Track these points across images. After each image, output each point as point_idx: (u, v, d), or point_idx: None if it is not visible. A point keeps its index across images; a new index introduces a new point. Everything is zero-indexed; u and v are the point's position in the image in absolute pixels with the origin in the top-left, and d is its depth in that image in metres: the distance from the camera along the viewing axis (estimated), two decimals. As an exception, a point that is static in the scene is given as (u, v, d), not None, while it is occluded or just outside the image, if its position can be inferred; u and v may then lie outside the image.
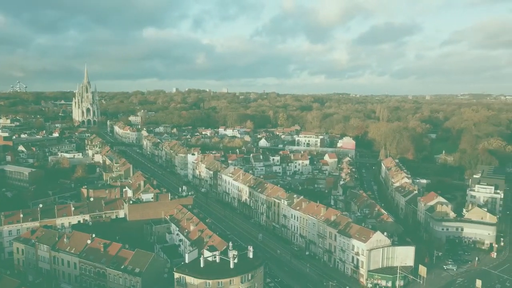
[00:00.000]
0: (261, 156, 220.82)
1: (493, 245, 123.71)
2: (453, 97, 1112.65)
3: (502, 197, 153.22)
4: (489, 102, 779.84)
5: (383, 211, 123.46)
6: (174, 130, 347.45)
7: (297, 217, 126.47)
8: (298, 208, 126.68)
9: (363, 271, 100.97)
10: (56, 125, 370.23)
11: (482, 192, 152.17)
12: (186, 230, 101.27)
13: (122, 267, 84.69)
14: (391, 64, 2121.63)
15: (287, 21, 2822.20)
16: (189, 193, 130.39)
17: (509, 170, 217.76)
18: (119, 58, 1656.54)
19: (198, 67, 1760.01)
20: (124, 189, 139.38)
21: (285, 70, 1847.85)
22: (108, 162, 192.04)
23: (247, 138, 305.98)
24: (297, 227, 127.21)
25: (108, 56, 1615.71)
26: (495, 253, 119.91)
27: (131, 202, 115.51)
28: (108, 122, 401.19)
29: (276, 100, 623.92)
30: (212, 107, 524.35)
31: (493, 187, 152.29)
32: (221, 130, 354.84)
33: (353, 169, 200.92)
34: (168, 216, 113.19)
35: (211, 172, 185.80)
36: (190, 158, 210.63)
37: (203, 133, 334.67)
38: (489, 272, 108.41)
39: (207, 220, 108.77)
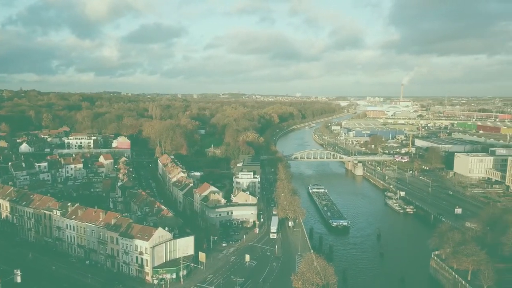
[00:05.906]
0: (23, 164, 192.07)
1: (256, 222, 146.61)
2: (216, 95, 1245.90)
3: (259, 180, 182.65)
4: (244, 101, 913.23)
5: (163, 207, 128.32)
6: None
7: (73, 227, 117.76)
8: (73, 217, 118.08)
9: (148, 269, 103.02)
10: None
11: (245, 178, 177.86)
12: None
13: None
14: (161, 63, 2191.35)
15: (49, 12, 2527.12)
16: None
17: (262, 158, 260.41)
18: None
19: None
20: None
21: (47, 65, 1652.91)
22: None
23: (2, 143, 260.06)
24: (74, 238, 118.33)
25: None
26: (258, 229, 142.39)
27: None
28: None
29: (37, 99, 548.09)
30: None
31: (252, 173, 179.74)
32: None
33: (131, 169, 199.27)
34: None
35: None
36: None
37: None
38: (254, 246, 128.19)
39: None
